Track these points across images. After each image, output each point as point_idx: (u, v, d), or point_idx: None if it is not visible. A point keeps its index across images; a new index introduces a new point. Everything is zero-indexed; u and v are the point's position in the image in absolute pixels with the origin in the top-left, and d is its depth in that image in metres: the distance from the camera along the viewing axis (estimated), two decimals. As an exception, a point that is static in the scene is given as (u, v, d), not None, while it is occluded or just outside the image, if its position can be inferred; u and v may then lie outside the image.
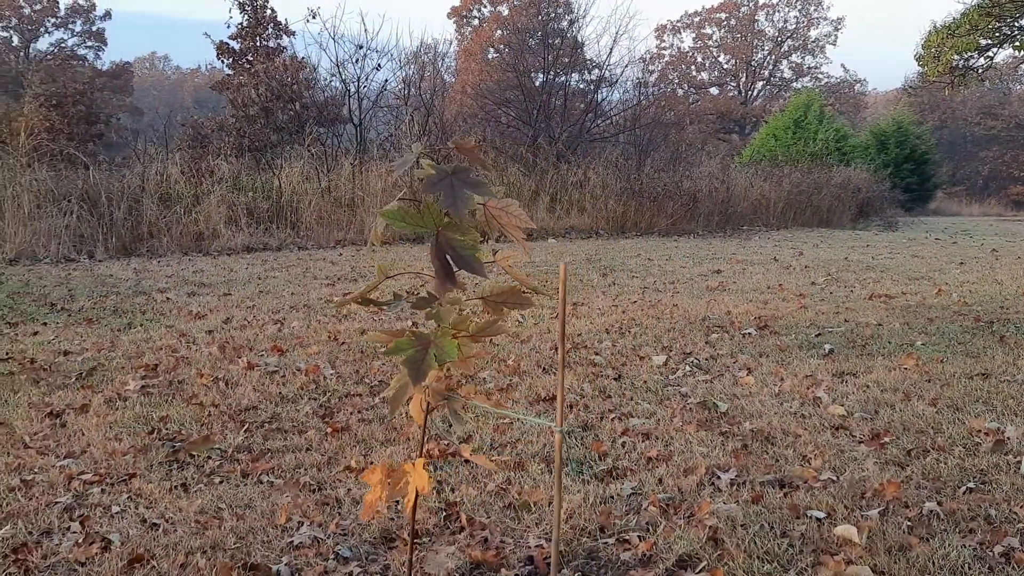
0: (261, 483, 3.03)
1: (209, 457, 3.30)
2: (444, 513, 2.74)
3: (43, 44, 44.50)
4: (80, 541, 2.55)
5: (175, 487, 2.98)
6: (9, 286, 7.70)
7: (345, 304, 1.49)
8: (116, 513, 2.77)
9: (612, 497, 2.88)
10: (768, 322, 5.93)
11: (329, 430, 3.60)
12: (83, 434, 3.57)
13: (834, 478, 3.03)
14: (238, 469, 3.16)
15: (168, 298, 7.10)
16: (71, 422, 3.72)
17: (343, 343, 5.31)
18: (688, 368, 4.68)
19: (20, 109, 23.90)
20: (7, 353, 5.02)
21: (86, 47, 45.32)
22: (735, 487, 2.97)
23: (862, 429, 3.59)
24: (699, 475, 3.06)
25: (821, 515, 2.71)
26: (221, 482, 3.04)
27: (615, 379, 4.49)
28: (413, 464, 1.44)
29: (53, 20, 44.25)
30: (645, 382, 4.40)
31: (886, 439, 3.44)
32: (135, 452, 3.33)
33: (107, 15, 44.82)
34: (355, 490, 2.94)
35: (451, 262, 1.30)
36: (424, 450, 1.45)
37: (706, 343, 5.33)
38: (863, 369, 4.62)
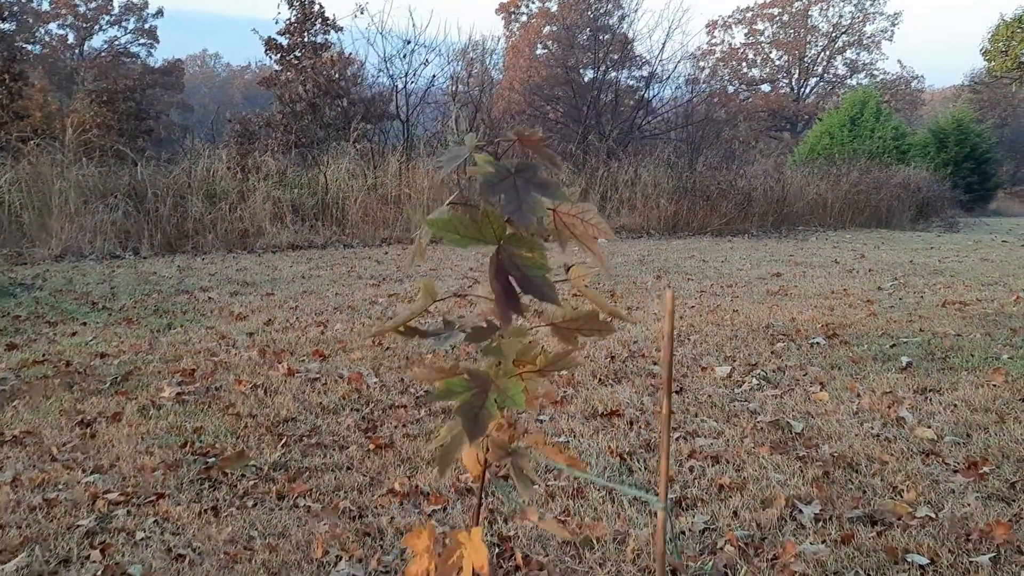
0: (297, 507, 2.79)
1: (243, 475, 3.08)
2: (497, 549, 2.47)
3: (97, 41, 45.22)
4: (99, 574, 2.33)
5: (205, 510, 2.75)
6: (52, 283, 7.61)
7: (383, 332, 1.22)
8: (140, 540, 2.54)
9: (683, 533, 2.58)
10: (837, 330, 5.56)
11: (372, 446, 3.36)
12: (113, 446, 3.37)
13: (932, 515, 2.69)
14: (273, 490, 2.92)
15: (210, 297, 6.95)
16: (102, 432, 3.53)
17: (388, 348, 5.07)
18: (755, 381, 4.35)
19: (73, 105, 24.22)
20: (43, 355, 4.88)
21: (139, 44, 45.94)
22: (820, 523, 2.65)
23: (956, 456, 3.24)
24: (779, 508, 2.74)
25: (923, 561, 2.39)
26: (255, 505, 2.81)
27: (677, 392, 4.18)
28: (469, 533, 1.17)
29: (107, 18, 44.93)
30: (709, 396, 4.08)
31: (985, 468, 3.08)
32: (165, 468, 3.12)
33: (159, 13, 45.36)
34: (399, 519, 2.68)
35: (515, 284, 1.02)
36: (481, 515, 1.17)
37: (772, 353, 4.98)
38: (947, 385, 4.24)
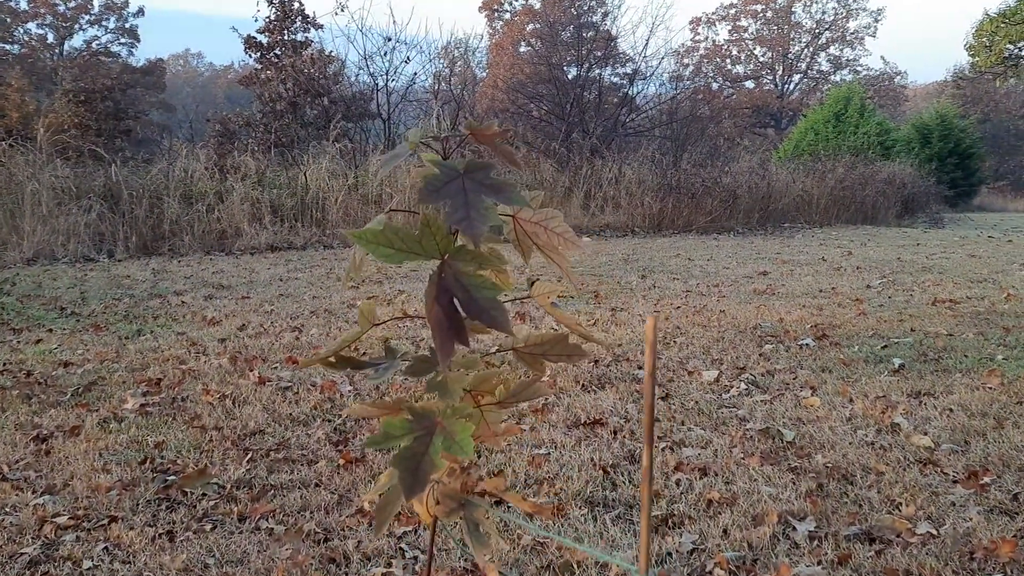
0: (259, 530, 2.61)
1: (204, 494, 2.89)
2: (470, 575, 2.30)
3: (77, 41, 44.72)
4: (37, 610, 2.15)
5: (160, 535, 2.57)
6: (21, 288, 7.39)
7: (311, 364, 1.06)
8: (87, 570, 2.36)
9: (670, 555, 2.42)
10: (826, 331, 5.42)
11: (342, 461, 3.18)
12: (68, 463, 3.18)
13: (933, 531, 2.54)
14: (235, 511, 2.74)
15: (183, 301, 6.74)
16: (57, 448, 3.34)
17: (364, 353, 4.89)
18: (743, 386, 4.20)
19: (51, 105, 23.86)
20: (3, 364, 4.67)
21: (119, 44, 45.45)
22: (816, 542, 2.49)
23: (954, 465, 3.10)
24: (771, 525, 2.59)
25: (926, 583, 2.24)
26: (213, 528, 2.63)
27: (662, 398, 4.03)
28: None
29: (87, 17, 44.43)
30: (696, 403, 3.93)
31: (985, 479, 2.94)
32: (121, 488, 2.93)
33: (140, 12, 44.90)
34: (366, 542, 2.50)
35: (459, 308, 0.85)
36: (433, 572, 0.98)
37: (760, 355, 4.84)
38: (942, 389, 4.11)
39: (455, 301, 0.85)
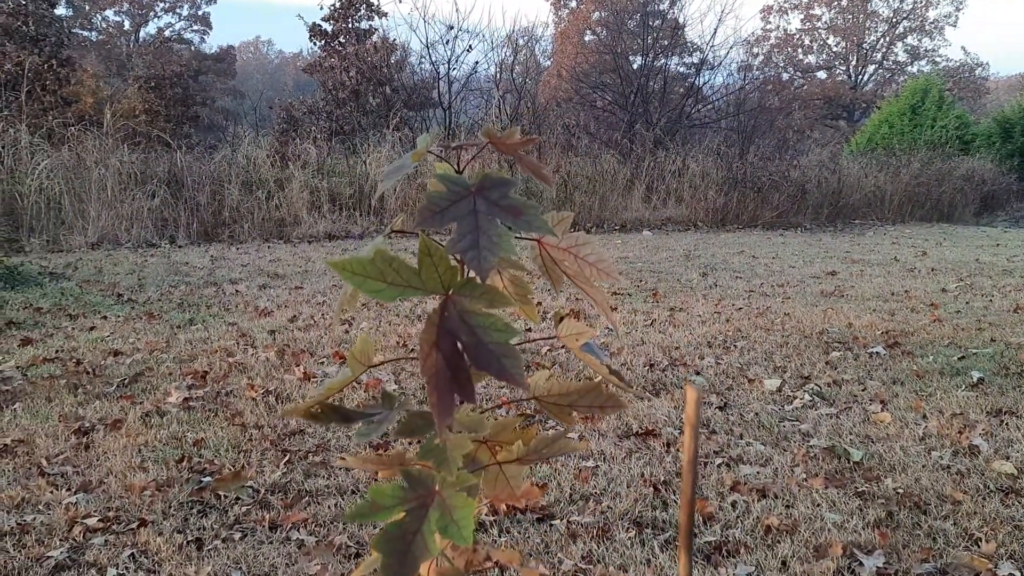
0: (289, 541, 2.51)
1: (238, 499, 2.80)
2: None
3: (152, 28, 45.73)
4: (54, 622, 2.07)
5: (188, 542, 2.48)
6: (82, 273, 7.47)
7: (292, 415, 0.91)
8: (110, 578, 2.28)
9: (722, 589, 2.24)
10: (898, 339, 5.13)
11: (381, 466, 3.06)
12: (107, 459, 3.13)
13: (1016, 573, 2.31)
14: (267, 518, 2.64)
15: (237, 291, 6.73)
16: (98, 442, 3.30)
17: (412, 350, 4.78)
18: (807, 397, 3.97)
19: (125, 91, 24.39)
20: (56, 352, 4.68)
21: (192, 31, 46.37)
22: (884, 581, 2.29)
23: (1040, 495, 2.84)
24: (835, 558, 2.38)
25: (1009, 636, 2.02)
26: (243, 537, 2.53)
27: (720, 408, 3.82)
28: None
29: (162, 5, 45.39)
30: (757, 414, 3.71)
31: (1076, 513, 2.68)
32: (155, 488, 2.86)
33: (212, 0, 45.71)
34: (398, 560, 2.37)
35: (464, 354, 0.70)
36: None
37: (826, 364, 4.58)
38: (1025, 407, 3.81)
39: (459, 346, 0.70)
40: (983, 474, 3.02)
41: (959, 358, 4.68)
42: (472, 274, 0.75)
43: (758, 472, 3.05)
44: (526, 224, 0.73)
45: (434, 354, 0.68)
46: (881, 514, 2.68)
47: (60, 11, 27.03)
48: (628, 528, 2.59)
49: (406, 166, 0.82)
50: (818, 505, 2.76)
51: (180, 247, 9.79)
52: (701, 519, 2.65)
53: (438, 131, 0.83)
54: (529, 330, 5.17)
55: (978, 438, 3.37)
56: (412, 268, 0.70)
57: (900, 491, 2.86)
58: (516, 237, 0.83)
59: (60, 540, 2.49)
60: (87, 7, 42.00)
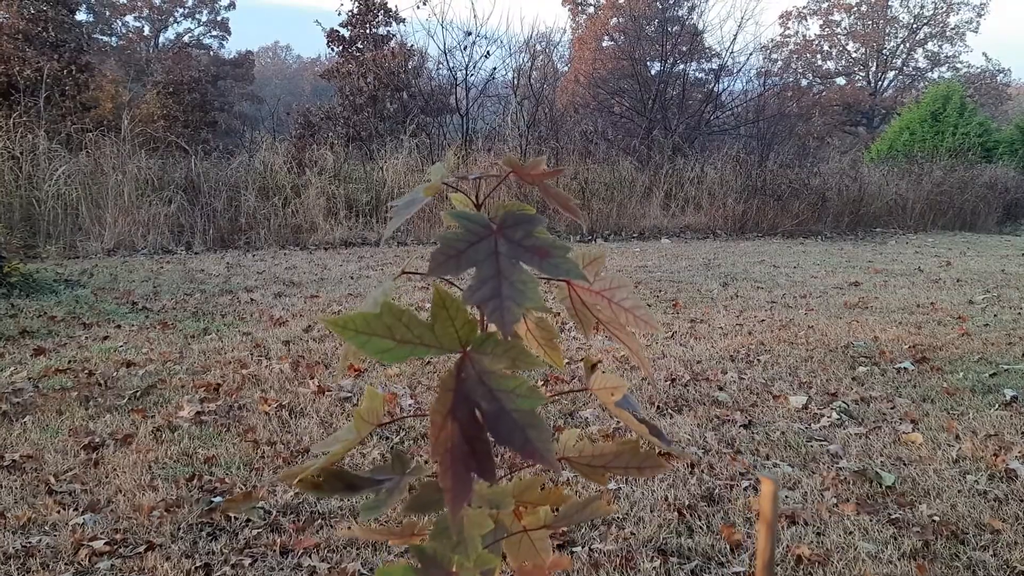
0: (300, 568, 2.42)
1: (248, 521, 2.72)
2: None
3: (172, 34, 46.03)
4: (55, 655, 1.99)
5: (196, 568, 2.40)
6: (97, 280, 7.44)
7: (287, 480, 0.82)
8: (114, 607, 2.20)
9: (752, 626, 2.13)
10: (926, 353, 4.99)
11: (395, 487, 2.97)
12: (116, 476, 3.06)
13: (1063, 611, 2.19)
14: (278, 543, 2.56)
15: (253, 299, 6.67)
16: (107, 458, 3.23)
17: (429, 362, 4.69)
18: (835, 415, 3.85)
19: (144, 97, 24.51)
20: (69, 362, 4.63)
21: (211, 36, 46.64)
22: (923, 618, 2.17)
23: (1083, 525, 2.71)
24: (869, 592, 2.27)
25: None
26: (253, 563, 2.44)
27: (744, 426, 3.71)
28: None
29: (182, 11, 45.68)
30: (783, 433, 3.59)
31: (1122, 544, 2.55)
32: (164, 508, 2.78)
33: (231, 5, 45.95)
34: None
35: (482, 422, 0.60)
36: None
37: (853, 379, 4.46)
38: (1062, 427, 3.68)
39: (477, 414, 0.60)
40: (1022, 500, 2.90)
41: (990, 374, 4.54)
42: (492, 326, 0.66)
43: (786, 496, 2.94)
44: (553, 268, 0.64)
45: (449, 425, 0.59)
46: (917, 544, 2.57)
47: (80, 16, 27.20)
48: (652, 557, 2.48)
49: (418, 200, 0.73)
50: (850, 533, 2.65)
51: (196, 254, 9.76)
52: (728, 546, 2.54)
53: (453, 160, 0.74)
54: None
55: (1014, 461, 3.24)
56: (425, 323, 0.61)
57: (936, 519, 2.74)
58: (541, 278, 0.74)
59: (65, 564, 2.42)
60: (107, 13, 42.34)
